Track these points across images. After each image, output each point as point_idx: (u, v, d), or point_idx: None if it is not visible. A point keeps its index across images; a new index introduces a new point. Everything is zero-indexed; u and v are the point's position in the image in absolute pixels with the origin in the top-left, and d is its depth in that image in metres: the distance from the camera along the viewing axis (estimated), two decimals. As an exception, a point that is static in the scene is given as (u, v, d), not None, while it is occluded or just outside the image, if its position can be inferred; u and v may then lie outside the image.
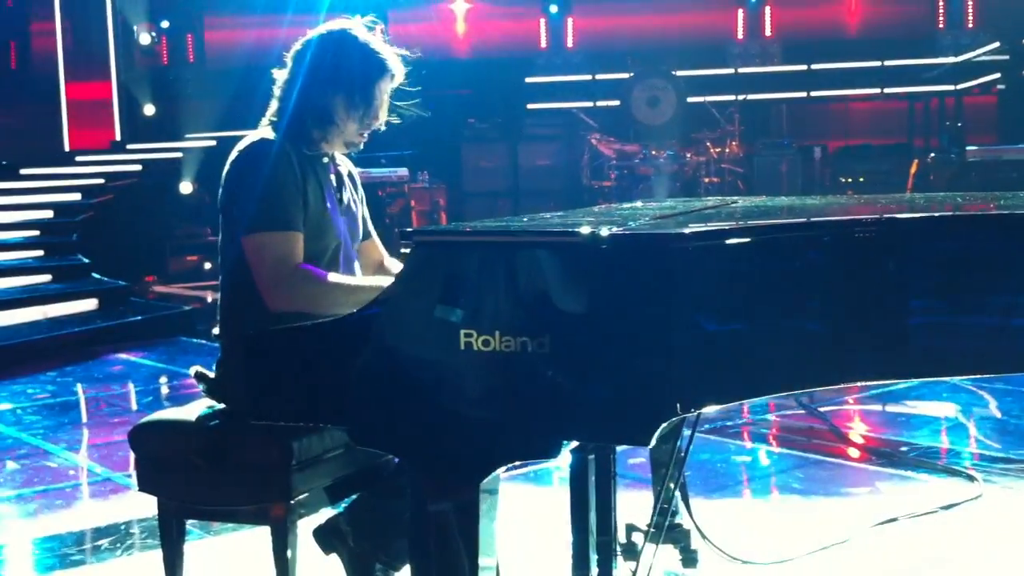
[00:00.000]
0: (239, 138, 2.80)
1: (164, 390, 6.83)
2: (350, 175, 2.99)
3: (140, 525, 4.02)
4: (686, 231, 2.03)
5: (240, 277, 2.70)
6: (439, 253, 2.13)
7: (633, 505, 3.53)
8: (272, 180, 2.65)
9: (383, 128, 2.91)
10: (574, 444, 2.67)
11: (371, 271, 3.02)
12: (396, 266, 2.95)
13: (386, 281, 2.64)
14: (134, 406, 6.37)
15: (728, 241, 2.11)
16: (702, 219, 2.45)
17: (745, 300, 2.09)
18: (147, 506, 2.80)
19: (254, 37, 13.46)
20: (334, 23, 2.85)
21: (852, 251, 2.18)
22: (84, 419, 6.16)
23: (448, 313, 2.06)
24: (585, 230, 2.03)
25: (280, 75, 2.86)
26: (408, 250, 2.14)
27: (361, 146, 2.89)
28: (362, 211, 3.01)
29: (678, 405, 1.96)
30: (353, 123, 2.80)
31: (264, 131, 2.79)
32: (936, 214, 2.34)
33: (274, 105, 2.85)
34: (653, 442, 1.96)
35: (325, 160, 2.84)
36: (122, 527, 4.03)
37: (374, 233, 3.07)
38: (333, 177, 2.87)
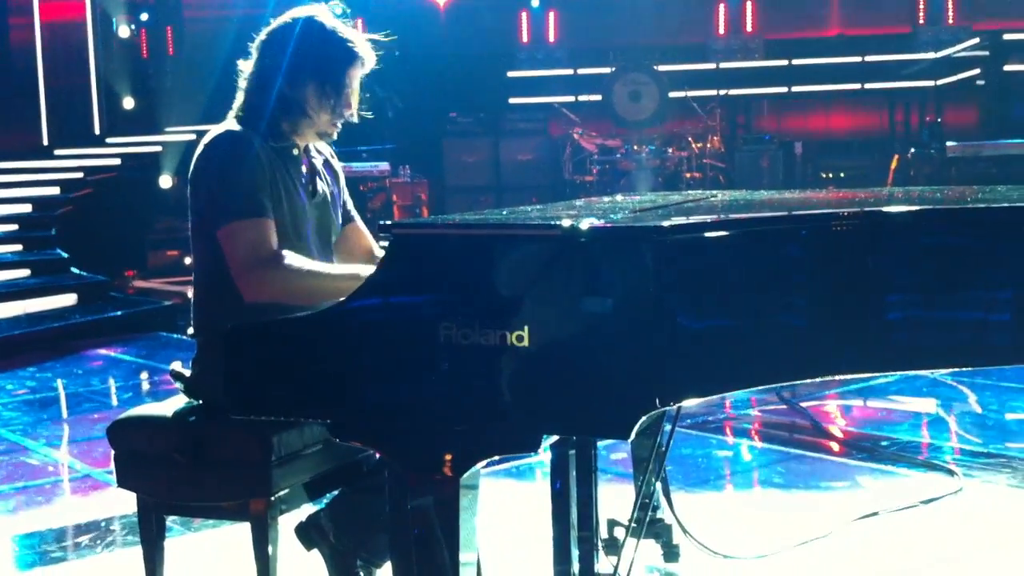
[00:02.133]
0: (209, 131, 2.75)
1: (144, 386, 6.80)
2: (327, 163, 2.92)
3: (121, 521, 4.00)
4: (665, 224, 2.03)
5: (212, 273, 2.66)
6: (418, 246, 2.12)
7: (615, 500, 3.54)
8: (239, 169, 2.61)
9: (355, 119, 2.85)
10: (555, 438, 2.68)
11: (359, 257, 2.95)
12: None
13: (362, 269, 2.62)
14: (114, 402, 6.35)
15: (707, 234, 2.11)
16: (682, 213, 2.45)
17: (724, 293, 2.10)
18: (127, 502, 2.79)
19: (234, 29, 13.40)
20: (299, 10, 2.77)
21: (831, 244, 2.18)
22: (64, 415, 6.13)
23: (427, 306, 2.05)
24: (565, 223, 2.02)
25: (246, 66, 2.79)
26: (387, 243, 2.13)
27: (335, 136, 2.83)
28: (342, 197, 2.96)
29: (657, 399, 1.96)
30: (325, 113, 2.74)
31: (229, 124, 2.74)
32: (915, 208, 2.35)
33: (240, 98, 2.79)
34: (633, 435, 1.96)
35: (295, 152, 2.79)
36: (103, 524, 4.01)
37: (358, 218, 3.01)
38: (305, 168, 2.81)
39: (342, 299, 2.15)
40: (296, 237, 2.72)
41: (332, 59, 2.72)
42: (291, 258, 2.59)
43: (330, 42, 2.73)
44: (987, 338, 2.27)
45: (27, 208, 10.82)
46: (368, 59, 2.78)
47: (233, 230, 2.58)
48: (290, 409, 2.24)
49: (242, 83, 2.80)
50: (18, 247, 9.97)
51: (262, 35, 2.79)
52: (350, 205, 3.01)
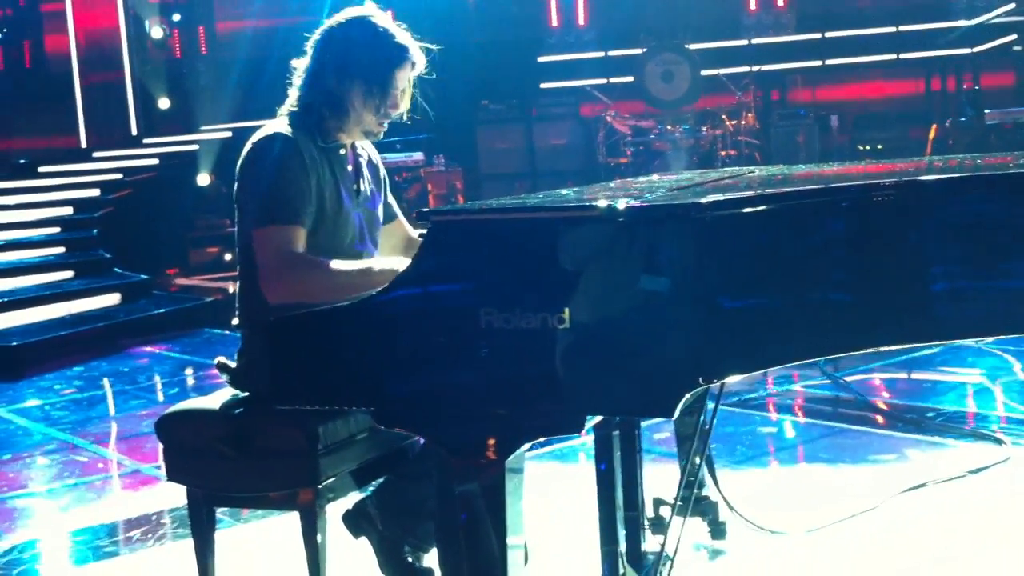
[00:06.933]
0: (254, 128, 2.78)
1: (190, 381, 6.87)
2: (370, 161, 2.96)
3: (171, 515, 4.05)
4: (703, 201, 2.02)
5: (255, 267, 2.70)
6: (457, 231, 2.13)
7: (660, 479, 3.54)
8: (279, 175, 2.63)
9: (405, 118, 2.88)
10: (598, 419, 2.68)
11: (400, 250, 3.00)
12: None
13: (375, 262, 2.64)
14: (160, 398, 6.42)
15: (746, 210, 2.10)
16: (719, 190, 2.44)
17: (764, 268, 2.09)
18: (177, 496, 2.83)
19: (265, 26, 13.47)
20: (353, 10, 2.81)
21: (871, 215, 2.17)
22: (111, 412, 6.20)
23: (468, 291, 2.06)
24: (602, 203, 2.02)
25: (300, 64, 2.84)
26: (426, 230, 2.14)
27: (381, 135, 2.86)
28: (384, 195, 3.00)
29: (700, 376, 1.96)
30: (370, 113, 2.77)
31: (279, 123, 2.77)
32: (954, 176, 2.32)
33: (293, 95, 2.82)
34: (677, 413, 1.96)
35: (342, 152, 2.82)
36: (153, 517, 4.07)
37: (400, 214, 3.06)
38: (350, 168, 2.84)
39: (384, 287, 2.16)
40: (340, 238, 2.75)
41: (380, 59, 2.75)
42: (310, 258, 2.62)
43: (380, 43, 2.76)
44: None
45: (68, 211, 10.94)
46: (418, 61, 2.80)
47: (265, 234, 2.62)
48: (335, 398, 2.26)
49: (296, 80, 2.83)
50: (61, 249, 10.10)
51: (316, 34, 2.83)
52: (391, 200, 3.04)
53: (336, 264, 2.64)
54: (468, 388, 2.07)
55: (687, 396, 1.96)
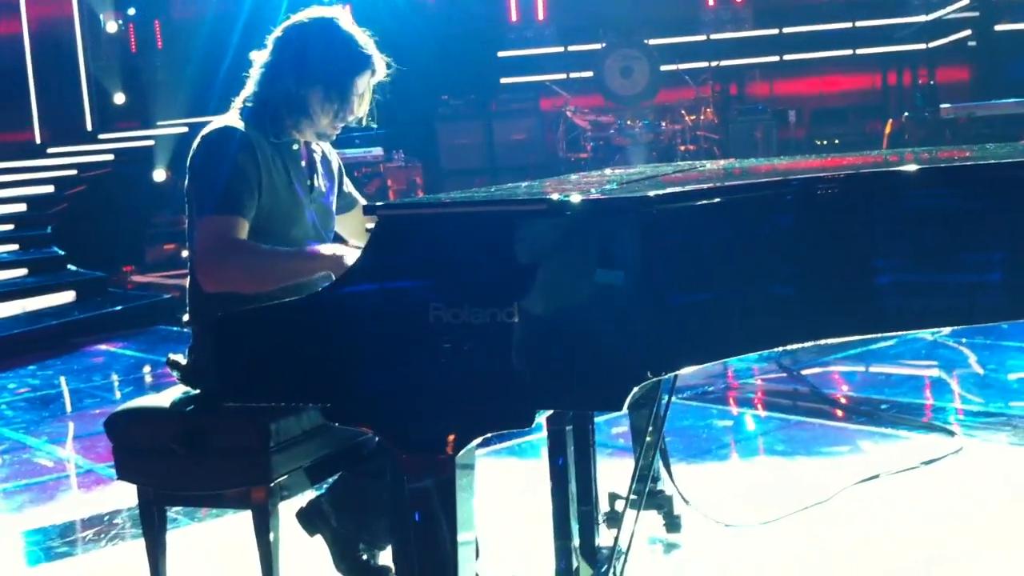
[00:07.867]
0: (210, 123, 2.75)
1: (146, 379, 6.80)
2: (324, 156, 2.94)
3: (125, 515, 4.01)
4: (651, 194, 2.02)
5: None
6: (405, 226, 2.11)
7: (617, 474, 3.55)
8: (228, 168, 2.61)
9: (364, 123, 2.85)
10: (550, 413, 2.68)
11: (361, 237, 2.98)
12: None
13: (320, 246, 2.63)
14: (116, 396, 6.35)
15: (694, 203, 2.10)
16: (668, 183, 2.45)
17: (712, 261, 2.09)
18: (131, 496, 2.80)
19: (222, 20, 13.35)
20: (319, 10, 2.78)
21: (816, 208, 2.18)
22: (66, 412, 6.13)
23: (416, 287, 2.05)
24: (551, 197, 2.02)
25: (259, 58, 2.80)
26: (373, 224, 2.13)
27: (333, 137, 2.85)
28: (340, 185, 2.98)
29: (649, 370, 1.96)
30: (327, 116, 2.75)
31: (232, 116, 2.74)
32: (898, 169, 2.34)
33: (249, 88, 2.79)
34: (626, 408, 1.96)
35: (295, 147, 2.80)
36: (106, 517, 4.02)
37: (361, 199, 3.04)
38: (304, 163, 2.82)
39: (332, 283, 2.15)
40: (294, 234, 2.73)
41: (342, 66, 2.72)
42: (244, 242, 2.59)
43: (344, 49, 2.73)
44: (974, 297, 2.27)
45: (22, 207, 10.80)
46: (379, 69, 2.78)
47: (204, 224, 2.60)
48: (282, 395, 2.24)
49: (253, 73, 2.80)
50: (14, 247, 9.96)
51: (278, 31, 2.79)
52: (350, 188, 3.03)
53: (270, 248, 2.62)
54: (416, 384, 2.06)
55: (636, 390, 1.96)
